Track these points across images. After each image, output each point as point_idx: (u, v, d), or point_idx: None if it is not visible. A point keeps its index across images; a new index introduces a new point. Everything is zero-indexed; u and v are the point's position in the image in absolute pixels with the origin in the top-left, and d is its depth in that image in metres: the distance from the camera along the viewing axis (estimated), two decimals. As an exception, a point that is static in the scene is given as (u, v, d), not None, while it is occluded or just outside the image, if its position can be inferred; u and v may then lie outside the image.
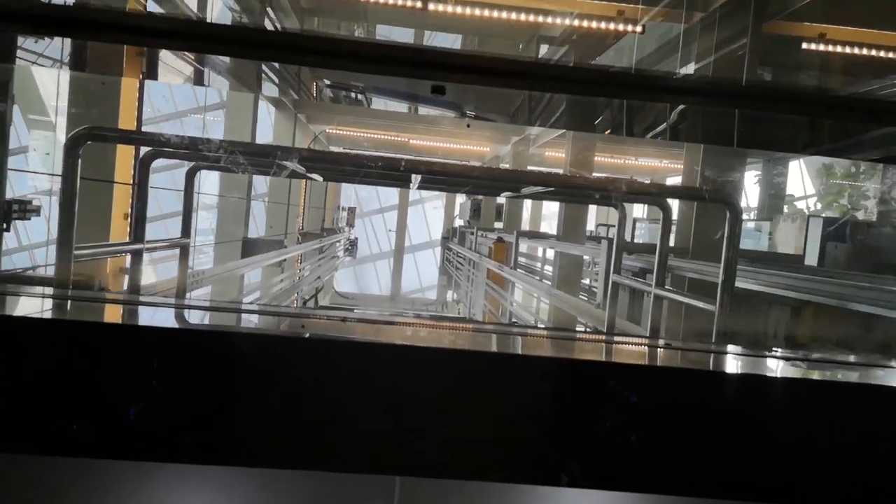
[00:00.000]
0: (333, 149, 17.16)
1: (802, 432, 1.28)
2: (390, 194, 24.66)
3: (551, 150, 15.34)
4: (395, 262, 23.90)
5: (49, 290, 1.76)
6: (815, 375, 1.45)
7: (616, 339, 2.23)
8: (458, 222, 19.49)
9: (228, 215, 10.28)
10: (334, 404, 1.20)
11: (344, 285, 23.37)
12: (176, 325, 1.45)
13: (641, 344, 2.12)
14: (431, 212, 25.58)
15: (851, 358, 1.60)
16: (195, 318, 1.66)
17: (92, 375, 1.18)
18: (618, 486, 1.25)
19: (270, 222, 13.04)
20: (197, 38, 1.55)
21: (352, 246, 20.44)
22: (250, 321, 1.53)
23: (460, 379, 1.23)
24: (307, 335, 1.27)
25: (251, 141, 9.59)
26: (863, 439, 1.29)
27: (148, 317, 1.52)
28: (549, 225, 20.53)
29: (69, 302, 1.64)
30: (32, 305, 1.48)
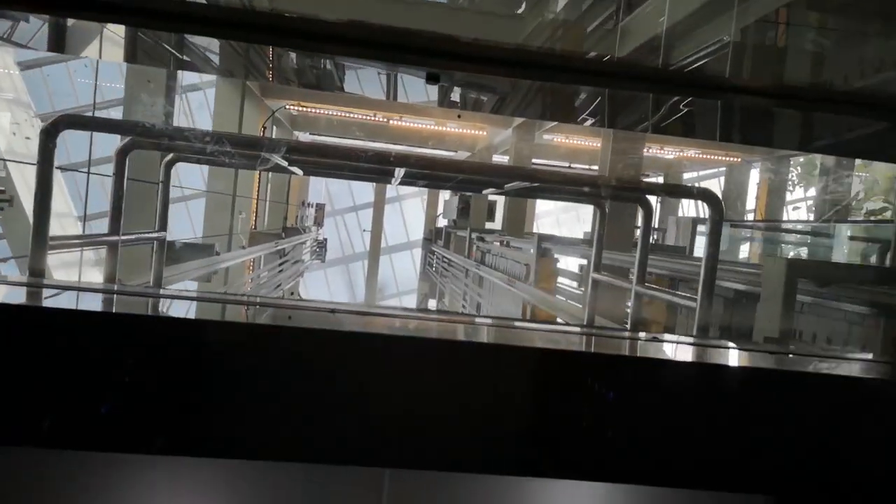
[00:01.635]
0: (296, 133, 15.07)
1: (784, 423, 1.29)
2: (365, 190, 21.96)
3: (570, 138, 12.45)
4: (369, 265, 21.30)
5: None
6: (797, 368, 1.46)
7: (598, 331, 2.23)
8: (442, 222, 17.33)
9: (138, 209, 7.06)
10: (320, 396, 1.18)
11: (312, 291, 21.09)
12: (159, 315, 1.42)
13: (623, 336, 2.13)
14: (410, 210, 23.23)
15: (832, 352, 1.61)
16: (180, 307, 1.63)
17: (67, 365, 1.15)
18: (610, 477, 1.24)
19: (209, 220, 10.32)
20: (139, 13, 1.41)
21: (320, 248, 18.08)
22: (235, 311, 1.50)
23: (448, 370, 1.22)
24: (292, 325, 1.24)
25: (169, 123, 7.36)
26: (847, 431, 1.30)
27: (127, 306, 1.49)
28: (538, 225, 19.04)
29: (43, 290, 1.60)
30: (4, 293, 1.43)
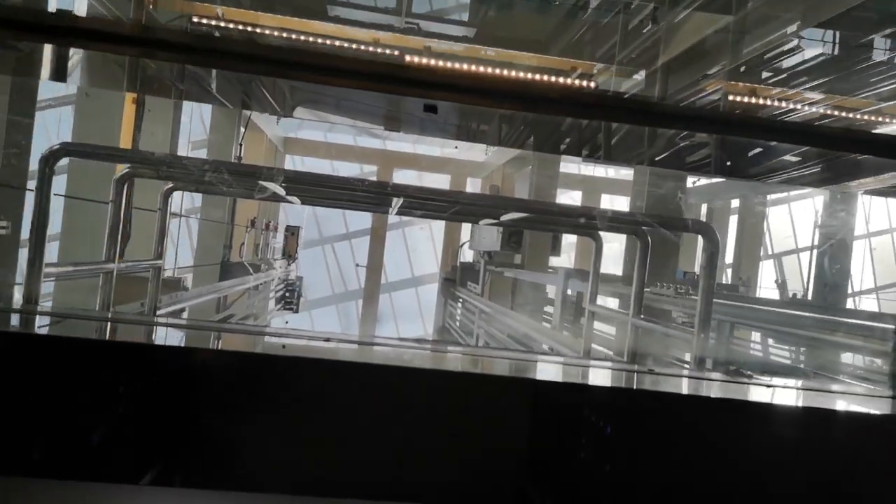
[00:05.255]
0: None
1: (783, 455, 1.28)
2: (360, 212, 14.80)
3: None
4: (364, 310, 16.06)
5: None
6: (795, 401, 1.46)
7: (595, 363, 2.22)
8: (466, 254, 11.83)
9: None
10: (314, 426, 1.17)
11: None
12: (152, 343, 1.41)
13: (619, 369, 2.12)
14: (416, 236, 17.25)
15: (829, 385, 1.61)
16: (173, 335, 1.62)
17: (59, 393, 1.14)
18: None
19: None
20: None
21: (290, 293, 12.24)
22: (230, 340, 1.49)
23: (444, 401, 1.21)
24: (286, 354, 1.24)
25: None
26: (854, 466, 1.28)
27: (121, 334, 1.48)
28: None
29: (37, 318, 1.59)
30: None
